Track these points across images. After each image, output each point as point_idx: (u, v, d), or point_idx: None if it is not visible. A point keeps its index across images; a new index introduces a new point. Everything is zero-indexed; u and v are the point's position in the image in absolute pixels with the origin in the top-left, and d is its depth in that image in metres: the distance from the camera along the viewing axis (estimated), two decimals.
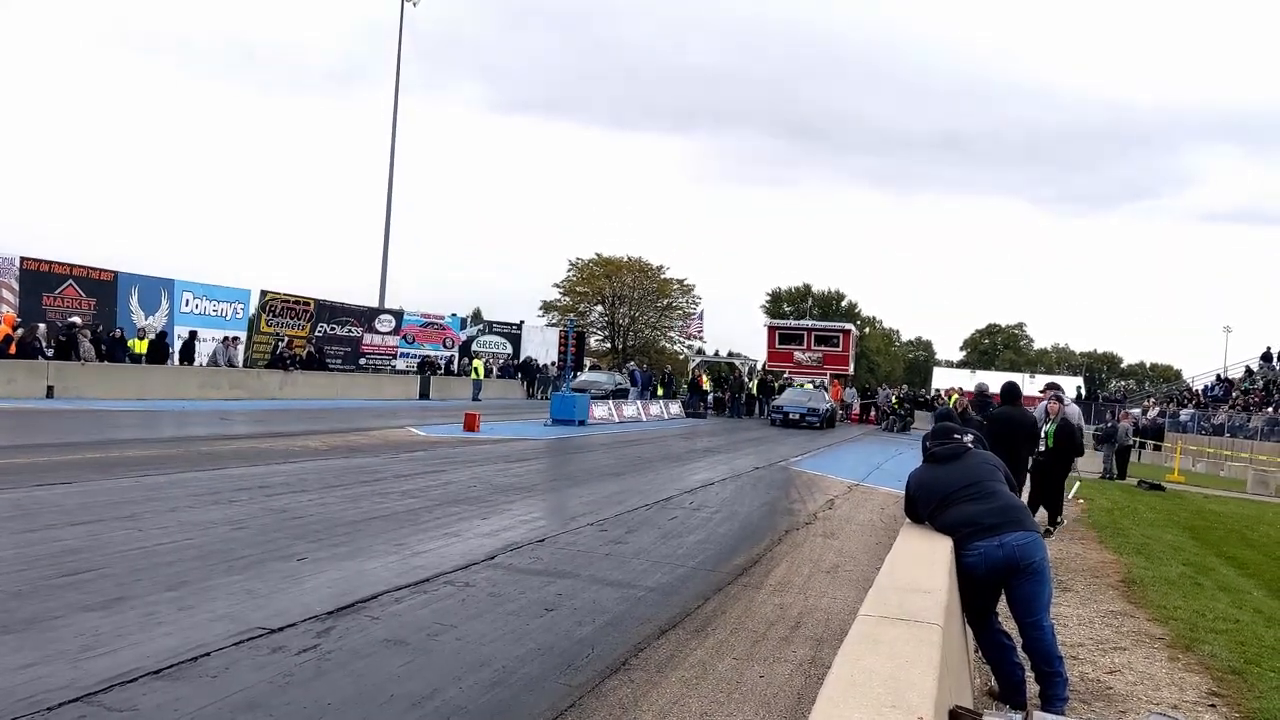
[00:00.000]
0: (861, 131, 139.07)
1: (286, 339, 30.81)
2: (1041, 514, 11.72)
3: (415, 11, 41.00)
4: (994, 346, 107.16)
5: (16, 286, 23.52)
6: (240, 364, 28.76)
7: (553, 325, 53.39)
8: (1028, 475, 11.47)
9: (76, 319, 23.70)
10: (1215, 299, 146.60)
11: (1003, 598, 5.29)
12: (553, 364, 42.22)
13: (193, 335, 27.34)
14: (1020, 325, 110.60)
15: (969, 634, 5.40)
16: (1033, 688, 5.27)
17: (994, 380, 18.88)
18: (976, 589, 5.08)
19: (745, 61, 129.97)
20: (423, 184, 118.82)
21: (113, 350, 24.06)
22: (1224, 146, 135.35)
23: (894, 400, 41.00)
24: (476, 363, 37.91)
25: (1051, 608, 5.52)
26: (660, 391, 40.05)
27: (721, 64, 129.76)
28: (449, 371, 39.32)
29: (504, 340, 45.90)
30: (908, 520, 5.86)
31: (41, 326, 22.44)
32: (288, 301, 32.04)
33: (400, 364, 37.75)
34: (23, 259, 23.81)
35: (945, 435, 5.71)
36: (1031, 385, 34.98)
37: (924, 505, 5.46)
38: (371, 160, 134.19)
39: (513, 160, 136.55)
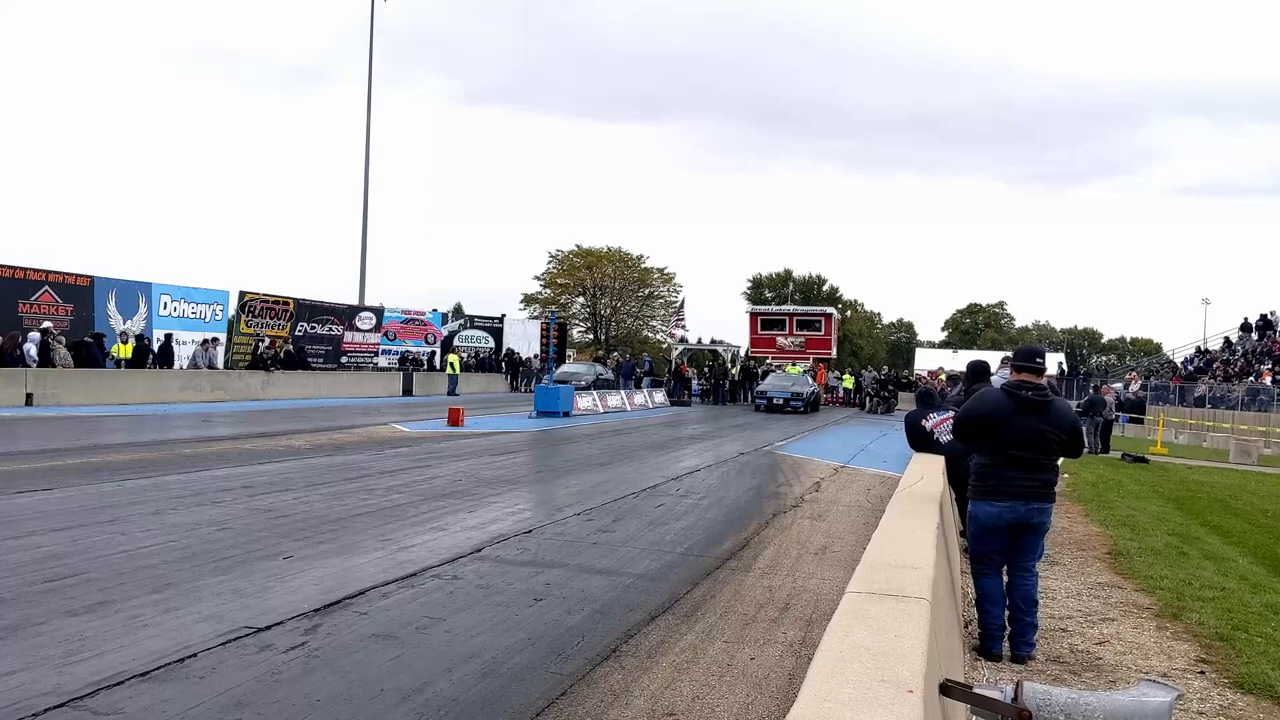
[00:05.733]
0: (832, 114, 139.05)
1: (267, 339, 30.61)
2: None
3: (381, 7, 40.63)
4: (975, 326, 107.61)
5: None
6: (221, 365, 28.57)
7: (535, 318, 53.22)
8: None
9: (49, 324, 23.46)
10: (1192, 271, 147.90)
11: None
12: (536, 357, 42.12)
13: (168, 338, 27.11)
14: (1001, 304, 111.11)
15: (959, 606, 5.46)
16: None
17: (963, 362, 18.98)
18: (994, 538, 5.67)
19: (712, 47, 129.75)
20: (398, 179, 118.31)
21: (91, 355, 23.82)
22: (1192, 120, 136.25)
23: (876, 381, 41.11)
24: (451, 357, 37.59)
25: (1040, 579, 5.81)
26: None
27: (688, 50, 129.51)
28: (431, 367, 39.13)
29: (486, 334, 45.71)
30: (895, 496, 5.87)
31: (35, 335, 22.24)
32: (267, 301, 31.82)
33: (382, 361, 37.56)
34: None
35: (1030, 359, 5.78)
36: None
37: (985, 433, 5.69)
38: (345, 157, 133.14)
39: (487, 153, 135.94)
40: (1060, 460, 5.87)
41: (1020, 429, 5.54)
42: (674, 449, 18.61)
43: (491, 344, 45.37)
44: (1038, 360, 5.78)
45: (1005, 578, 5.83)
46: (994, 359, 13.88)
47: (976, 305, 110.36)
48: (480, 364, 42.81)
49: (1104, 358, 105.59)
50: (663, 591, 6.92)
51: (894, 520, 5.13)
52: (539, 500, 11.27)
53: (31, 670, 4.62)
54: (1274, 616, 6.86)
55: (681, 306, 53.94)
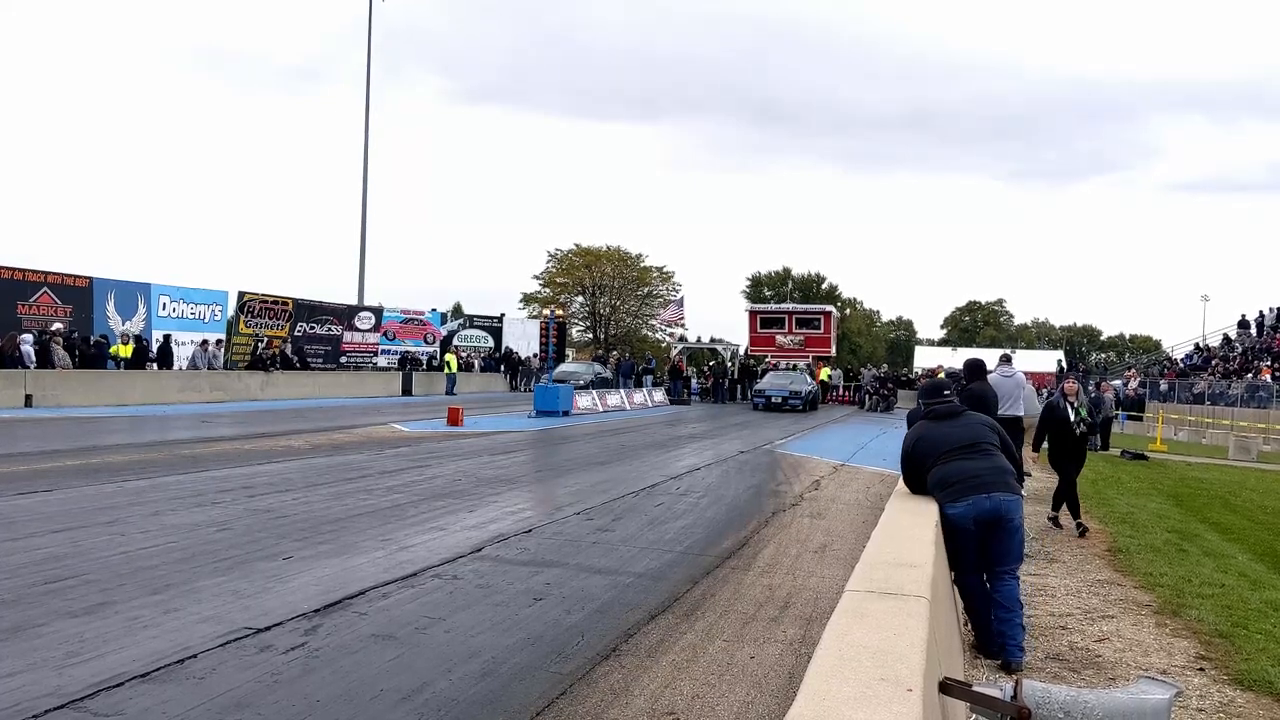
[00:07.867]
0: (831, 113, 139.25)
1: (266, 339, 30.59)
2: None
3: (379, 7, 40.66)
4: (974, 324, 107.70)
5: None
6: (220, 366, 28.56)
7: (534, 317, 53.18)
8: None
9: (59, 325, 23.48)
10: (1191, 268, 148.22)
11: None
12: (535, 356, 42.11)
13: (167, 338, 27.11)
14: (1000, 301, 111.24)
15: (958, 605, 5.46)
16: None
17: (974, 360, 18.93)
18: (965, 540, 5.51)
19: (712, 47, 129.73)
20: (397, 179, 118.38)
21: (91, 356, 23.82)
22: (1189, 117, 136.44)
23: (876, 379, 41.13)
24: (449, 356, 37.54)
25: (1024, 580, 5.76)
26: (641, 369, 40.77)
27: (688, 50, 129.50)
28: (431, 367, 39.10)
29: (485, 334, 45.69)
30: (895, 495, 5.89)
31: (28, 337, 22.24)
32: (266, 302, 31.77)
33: (382, 361, 37.54)
34: None
35: (937, 392, 6.18)
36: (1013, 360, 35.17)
37: (927, 457, 5.77)
38: (344, 157, 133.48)
39: (485, 153, 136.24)
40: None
41: (945, 433, 5.83)
42: (673, 447, 18.60)
43: (491, 343, 45.35)
44: (944, 392, 6.26)
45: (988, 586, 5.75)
46: (992, 357, 13.87)
47: (976, 303, 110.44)
48: (479, 363, 42.79)
49: (1103, 355, 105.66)
50: (662, 590, 6.92)
51: (893, 518, 5.14)
52: (538, 499, 11.27)
53: (32, 671, 4.62)
54: (1273, 613, 6.87)
55: (680, 303, 53.82)
